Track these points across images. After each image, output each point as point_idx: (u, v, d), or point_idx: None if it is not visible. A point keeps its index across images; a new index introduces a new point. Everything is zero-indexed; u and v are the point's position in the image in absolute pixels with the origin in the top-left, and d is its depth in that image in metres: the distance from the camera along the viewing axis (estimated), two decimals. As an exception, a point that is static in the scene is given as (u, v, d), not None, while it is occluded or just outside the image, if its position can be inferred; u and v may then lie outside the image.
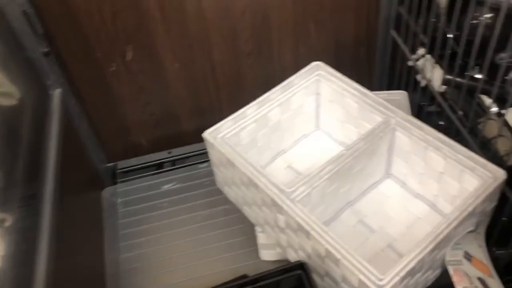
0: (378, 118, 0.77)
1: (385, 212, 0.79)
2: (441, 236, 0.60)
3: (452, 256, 0.66)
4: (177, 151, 1.08)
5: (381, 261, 0.72)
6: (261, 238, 0.82)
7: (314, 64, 0.86)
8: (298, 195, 0.68)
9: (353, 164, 0.74)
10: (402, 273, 0.57)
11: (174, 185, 1.02)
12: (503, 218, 0.77)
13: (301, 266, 0.63)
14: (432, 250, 0.60)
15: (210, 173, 0.87)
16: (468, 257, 0.68)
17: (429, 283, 0.69)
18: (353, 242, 0.75)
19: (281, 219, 0.69)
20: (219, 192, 0.88)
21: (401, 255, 0.73)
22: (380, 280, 0.57)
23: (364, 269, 0.58)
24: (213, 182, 0.88)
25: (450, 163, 0.70)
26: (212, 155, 0.80)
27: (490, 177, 0.65)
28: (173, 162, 1.08)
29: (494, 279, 0.68)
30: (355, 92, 0.81)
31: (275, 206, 0.68)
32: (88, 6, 0.84)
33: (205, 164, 1.04)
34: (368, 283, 0.57)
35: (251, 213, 0.80)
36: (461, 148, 0.69)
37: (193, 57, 0.97)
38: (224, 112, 0.80)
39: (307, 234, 0.64)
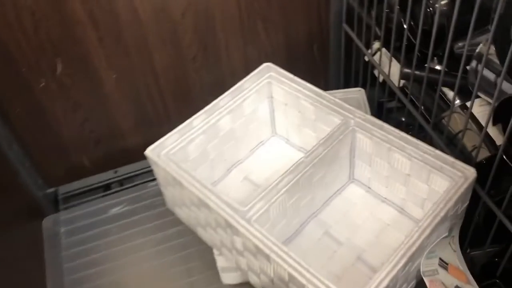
0: (336, 120, 0.71)
1: (352, 221, 0.73)
2: (414, 248, 0.55)
3: (427, 266, 0.60)
4: (124, 170, 0.99)
5: (351, 278, 0.66)
6: (220, 261, 0.74)
7: (264, 65, 0.79)
8: (254, 213, 0.60)
9: (314, 172, 0.67)
10: (374, 296, 0.51)
11: (122, 207, 0.93)
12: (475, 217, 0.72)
13: (262, 296, 0.56)
14: (406, 264, 0.54)
15: (161, 192, 0.79)
16: (443, 264, 0.62)
17: (404, 297, 0.63)
18: (319, 258, 0.69)
19: (238, 241, 0.62)
20: (172, 212, 0.80)
21: (372, 268, 0.67)
22: (352, 304, 0.51)
23: (332, 293, 0.52)
24: (164, 202, 0.80)
25: (416, 164, 0.64)
26: (158, 174, 0.72)
27: (460, 177, 0.60)
28: (121, 182, 0.99)
29: (471, 285, 0.63)
30: (310, 94, 0.75)
31: (230, 227, 0.61)
32: (3, 17, 0.74)
33: (154, 182, 0.94)
34: (338, 309, 0.51)
35: (206, 235, 0.72)
36: (427, 147, 0.64)
37: (132, 66, 0.88)
38: (173, 123, 0.72)
39: (267, 257, 0.57)
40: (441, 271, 0.62)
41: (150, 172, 0.96)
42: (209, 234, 0.70)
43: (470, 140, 0.69)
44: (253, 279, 0.67)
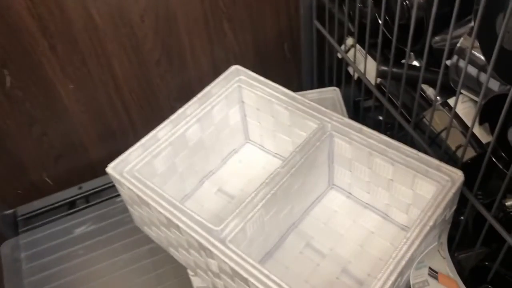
0: (313, 125, 0.66)
1: (334, 230, 0.68)
2: (403, 262, 0.51)
3: (417, 277, 0.56)
4: (89, 185, 0.92)
5: (337, 293, 0.61)
6: (196, 282, 0.69)
7: (233, 68, 0.74)
8: (229, 233, 0.55)
9: (292, 182, 0.62)
10: (365, 318, 0.47)
11: (88, 226, 0.86)
12: (461, 218, 0.69)
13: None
14: (396, 280, 0.50)
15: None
16: (433, 274, 0.59)
17: (394, 311, 0.59)
18: (302, 272, 0.64)
19: (213, 263, 0.57)
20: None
21: (358, 281, 0.62)
22: (340, 330, 0.46)
23: (319, 318, 0.47)
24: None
25: (400, 169, 0.60)
26: (122, 193, 0.66)
27: (447, 181, 0.56)
28: (87, 199, 0.92)
29: (464, 294, 0.59)
30: (283, 97, 0.70)
31: (203, 249, 0.56)
32: None
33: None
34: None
35: (179, 255, 0.67)
36: (410, 150, 0.60)
37: (90, 75, 0.81)
38: (139, 134, 0.67)
39: (245, 281, 0.52)
40: (431, 281, 0.59)
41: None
42: (182, 255, 0.65)
43: (452, 139, 0.66)
44: (232, 301, 0.62)
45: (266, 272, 0.51)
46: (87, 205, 0.91)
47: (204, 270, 0.62)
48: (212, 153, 0.76)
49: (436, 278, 0.59)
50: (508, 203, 0.61)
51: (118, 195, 0.90)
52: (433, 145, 0.67)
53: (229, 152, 0.80)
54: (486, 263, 0.64)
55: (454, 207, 0.60)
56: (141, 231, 0.76)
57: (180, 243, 0.61)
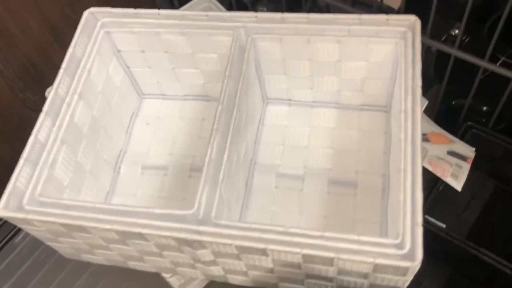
0: (225, 38, 0.52)
1: (295, 146, 0.58)
2: (418, 138, 0.43)
3: (416, 148, 0.50)
4: (-32, 243, 0.69)
5: (339, 209, 0.53)
6: (175, 281, 0.55)
7: (87, 13, 0.55)
8: (208, 210, 0.42)
9: (241, 115, 0.50)
10: (419, 218, 0.39)
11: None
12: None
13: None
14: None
15: (39, 241, 0.54)
16: (424, 138, 0.53)
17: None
18: (290, 206, 0.54)
19: (205, 253, 0.43)
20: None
21: (352, 185, 0.54)
22: (401, 247, 0.38)
23: (371, 247, 0.38)
24: (52, 250, 0.56)
25: (347, 43, 0.51)
26: (35, 232, 0.48)
27: (405, 32, 0.48)
28: (-26, 260, 0.69)
29: (456, 142, 0.55)
30: (170, 21, 0.54)
31: (188, 244, 0.42)
32: None
33: (22, 234, 0.68)
34: (389, 262, 0.37)
35: (145, 265, 0.52)
36: (350, 17, 0.49)
37: None
38: (3, 158, 0.46)
39: (263, 252, 0.40)
40: (427, 145, 0.53)
41: (5, 224, 0.69)
42: (151, 262, 0.50)
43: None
44: (236, 279, 0.50)
45: (280, 229, 0.40)
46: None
47: (190, 266, 0.48)
48: (112, 129, 0.59)
49: (428, 140, 0.54)
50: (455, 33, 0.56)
51: (14, 235, 0.69)
52: (357, 6, 0.58)
53: (129, 119, 0.63)
54: (453, 102, 0.60)
55: (414, 59, 0.53)
56: (69, 261, 0.59)
57: (146, 251, 0.46)
